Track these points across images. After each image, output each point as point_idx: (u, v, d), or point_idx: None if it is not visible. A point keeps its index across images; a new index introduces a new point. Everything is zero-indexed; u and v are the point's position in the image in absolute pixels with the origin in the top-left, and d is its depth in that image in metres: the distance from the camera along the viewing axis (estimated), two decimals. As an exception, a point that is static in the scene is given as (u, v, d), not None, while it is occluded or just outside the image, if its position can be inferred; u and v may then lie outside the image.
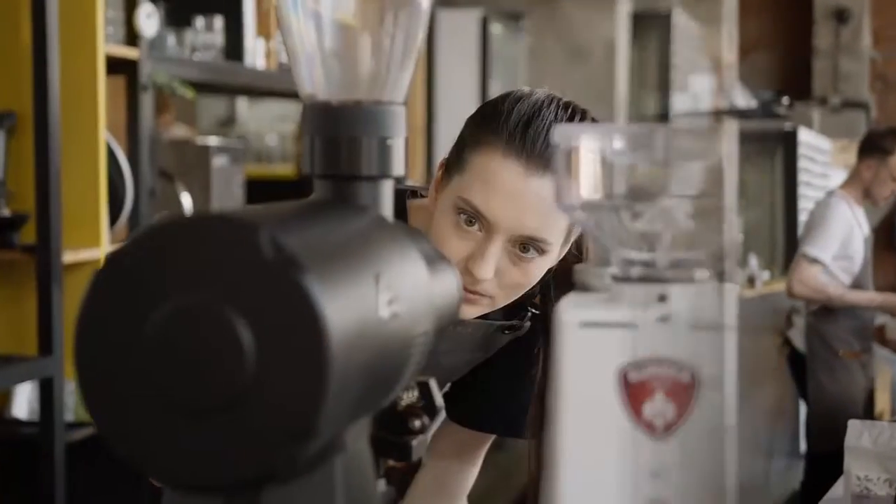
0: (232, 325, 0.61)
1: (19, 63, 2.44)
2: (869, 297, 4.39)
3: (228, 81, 3.14)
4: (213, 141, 3.19)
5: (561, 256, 1.32)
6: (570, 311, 0.71)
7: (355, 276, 0.67)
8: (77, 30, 2.48)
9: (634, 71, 6.76)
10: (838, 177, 8.38)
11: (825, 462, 4.21)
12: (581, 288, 0.79)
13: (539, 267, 1.26)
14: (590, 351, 0.69)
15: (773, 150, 6.72)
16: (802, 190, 6.97)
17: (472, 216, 1.23)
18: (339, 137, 0.82)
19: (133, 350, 0.63)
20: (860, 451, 1.99)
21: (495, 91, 5.99)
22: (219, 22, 3.03)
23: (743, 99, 5.50)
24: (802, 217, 7.08)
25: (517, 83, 5.98)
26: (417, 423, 0.89)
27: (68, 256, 2.43)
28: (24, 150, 2.45)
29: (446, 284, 0.87)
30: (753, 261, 6.37)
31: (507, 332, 1.40)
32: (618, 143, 0.73)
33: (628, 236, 0.73)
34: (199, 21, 3.03)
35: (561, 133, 0.72)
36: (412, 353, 0.75)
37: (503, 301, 1.28)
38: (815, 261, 4.18)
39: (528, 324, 1.39)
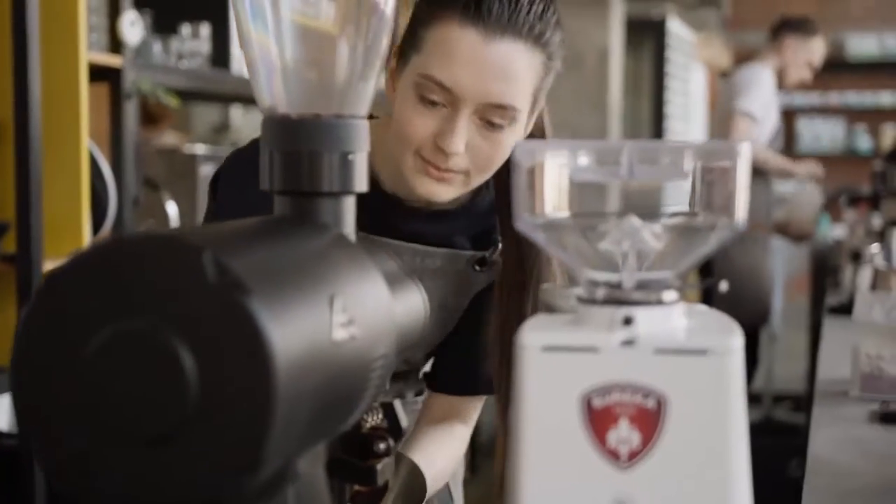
0: (174, 351, 0.58)
1: (1, 70, 2.41)
2: (794, 165, 4.51)
3: (215, 89, 3.12)
4: (200, 149, 3.17)
5: (529, 129, 1.30)
6: (532, 335, 0.68)
7: (307, 297, 0.65)
8: (59, 36, 2.45)
9: (629, 77, 6.76)
10: (699, 71, 8.55)
11: None
12: (546, 309, 0.77)
13: (509, 138, 1.23)
14: (552, 376, 0.67)
15: (641, 37, 6.86)
16: (668, 81, 7.16)
17: (434, 92, 1.21)
18: (299, 152, 0.79)
19: (72, 375, 0.60)
20: (870, 327, 1.88)
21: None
22: (205, 29, 3.01)
23: None
24: (669, 108, 7.26)
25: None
26: (382, 446, 0.86)
27: (49, 266, 2.40)
28: (5, 159, 2.42)
29: (410, 303, 0.84)
30: None
31: (478, 267, 1.38)
32: (581, 160, 0.70)
33: (593, 256, 0.71)
34: (186, 28, 3.01)
35: (522, 150, 0.70)
36: (371, 377, 0.72)
37: (477, 178, 1.26)
38: (747, 114, 4.25)
39: (498, 259, 1.36)
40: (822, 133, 10.22)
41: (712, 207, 0.69)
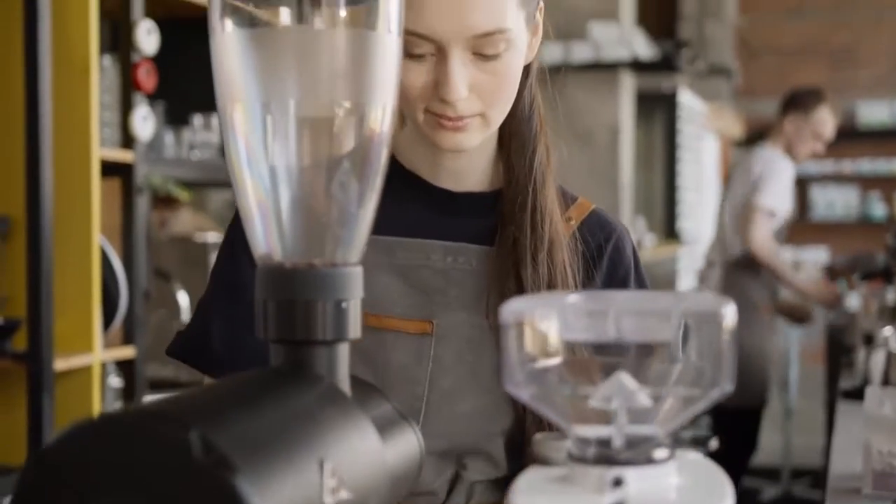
0: (161, 530, 0.59)
1: (13, 167, 2.44)
2: (807, 284, 4.48)
3: (227, 178, 3.15)
4: (212, 237, 3.19)
5: (537, 38, 1.23)
6: (523, 495, 0.68)
7: (296, 466, 0.65)
8: (72, 133, 2.49)
9: (641, 150, 6.79)
10: (711, 140, 8.59)
11: (733, 418, 4.18)
12: (540, 461, 0.77)
13: (512, 62, 1.16)
14: (542, 539, 0.67)
15: (652, 109, 6.89)
16: (680, 153, 7.17)
17: (416, 46, 1.13)
18: (294, 301, 0.80)
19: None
20: (882, 422, 1.82)
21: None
22: (216, 120, 3.05)
23: (644, 48, 5.54)
24: (680, 180, 7.27)
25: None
26: None
27: (60, 363, 2.41)
28: (17, 255, 2.44)
29: (403, 448, 0.84)
30: (641, 223, 6.35)
31: None
32: (568, 317, 0.71)
33: (583, 412, 0.71)
34: (197, 119, 3.04)
35: (509, 309, 0.70)
36: (363, 534, 0.72)
37: (497, 114, 1.18)
38: (771, 213, 4.24)
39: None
40: (835, 200, 10.22)
41: (702, 366, 0.69)
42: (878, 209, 10.12)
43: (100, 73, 2.58)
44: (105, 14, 2.70)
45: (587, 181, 5.42)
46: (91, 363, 2.52)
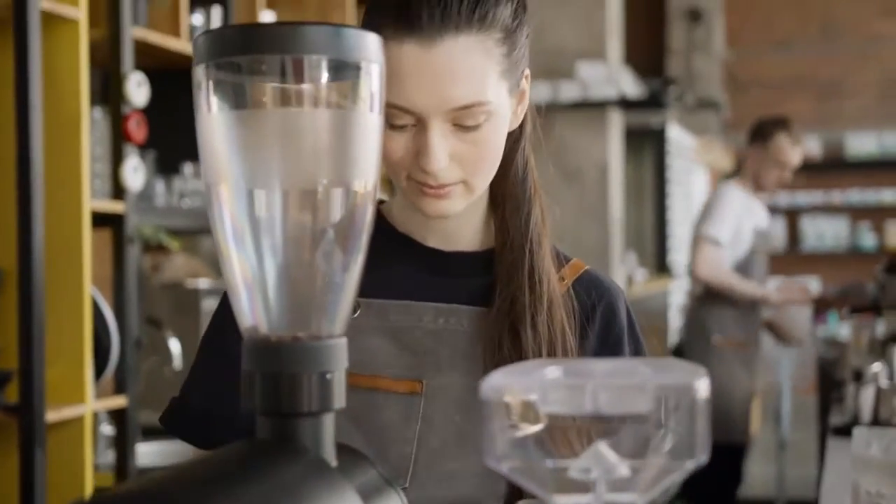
0: None
1: (5, 219, 2.46)
2: (766, 292, 4.46)
3: (217, 226, 3.16)
4: (203, 284, 3.20)
5: (522, 111, 1.23)
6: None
7: (282, 544, 0.66)
8: (63, 185, 2.51)
9: (630, 185, 6.84)
10: (700, 174, 8.64)
11: (715, 453, 4.16)
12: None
13: (493, 132, 1.17)
14: None
15: (641, 145, 6.93)
16: (669, 187, 7.21)
17: (397, 117, 1.14)
18: (280, 374, 0.82)
19: None
20: (870, 463, 1.82)
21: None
22: (207, 168, 3.07)
23: (631, 86, 5.58)
24: (671, 214, 7.30)
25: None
26: None
27: (52, 415, 2.42)
28: (9, 307, 2.45)
29: (390, 516, 0.86)
30: (632, 258, 6.37)
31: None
32: (548, 392, 0.73)
33: (563, 483, 0.73)
34: (188, 168, 3.07)
35: (489, 386, 0.72)
36: None
37: (479, 182, 1.19)
38: (715, 241, 4.26)
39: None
40: (825, 231, 10.28)
41: (677, 438, 0.71)
42: (868, 239, 10.18)
43: (90, 125, 2.60)
44: (95, 63, 2.73)
45: (577, 218, 5.45)
46: (83, 413, 2.52)
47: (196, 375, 1.28)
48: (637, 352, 1.30)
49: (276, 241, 0.83)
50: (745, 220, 4.32)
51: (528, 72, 1.24)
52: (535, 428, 0.74)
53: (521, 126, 1.28)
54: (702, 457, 0.71)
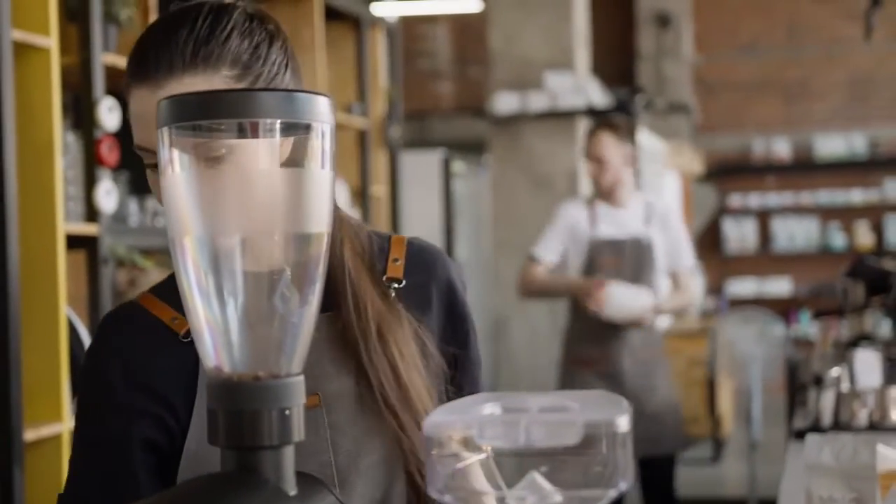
0: None
1: (-19, 243, 2.51)
2: (569, 279, 4.15)
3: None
4: (177, 299, 3.25)
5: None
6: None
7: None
8: (37, 209, 2.56)
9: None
10: (672, 178, 8.75)
11: (642, 467, 4.17)
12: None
13: (244, 167, 1.16)
14: None
15: None
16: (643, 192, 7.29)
17: (149, 157, 1.20)
18: (241, 411, 0.88)
19: None
20: (821, 469, 1.87)
21: (460, 226, 6.16)
22: (179, 187, 3.13)
23: (599, 95, 5.57)
24: None
25: (481, 214, 6.12)
26: None
27: (30, 434, 2.47)
28: (-14, 329, 2.50)
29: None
30: None
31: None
32: (485, 428, 0.80)
33: (501, 510, 0.80)
34: (160, 187, 3.12)
35: (431, 423, 0.79)
36: None
37: None
38: (533, 259, 4.13)
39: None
40: (796, 232, 10.40)
41: (603, 468, 0.78)
42: (838, 239, 10.31)
43: (63, 149, 2.66)
44: (67, 88, 2.78)
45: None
46: (61, 432, 2.58)
47: (87, 472, 1.26)
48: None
49: (237, 286, 0.90)
50: (578, 233, 4.13)
51: None
52: (474, 460, 0.81)
53: None
54: (625, 483, 0.79)
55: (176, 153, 0.89)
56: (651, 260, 4.12)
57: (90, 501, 1.25)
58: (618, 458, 0.78)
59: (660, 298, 4.13)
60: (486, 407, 0.82)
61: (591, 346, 4.13)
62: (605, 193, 4.15)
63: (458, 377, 1.34)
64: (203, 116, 0.88)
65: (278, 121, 0.88)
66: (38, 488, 2.52)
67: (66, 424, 2.59)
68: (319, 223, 0.91)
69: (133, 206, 3.04)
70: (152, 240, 3.07)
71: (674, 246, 4.15)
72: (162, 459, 1.25)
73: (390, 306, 1.28)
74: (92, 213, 2.75)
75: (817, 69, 10.16)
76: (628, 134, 4.17)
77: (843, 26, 9.75)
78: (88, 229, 2.73)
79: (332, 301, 1.27)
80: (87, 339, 2.67)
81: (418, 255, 1.34)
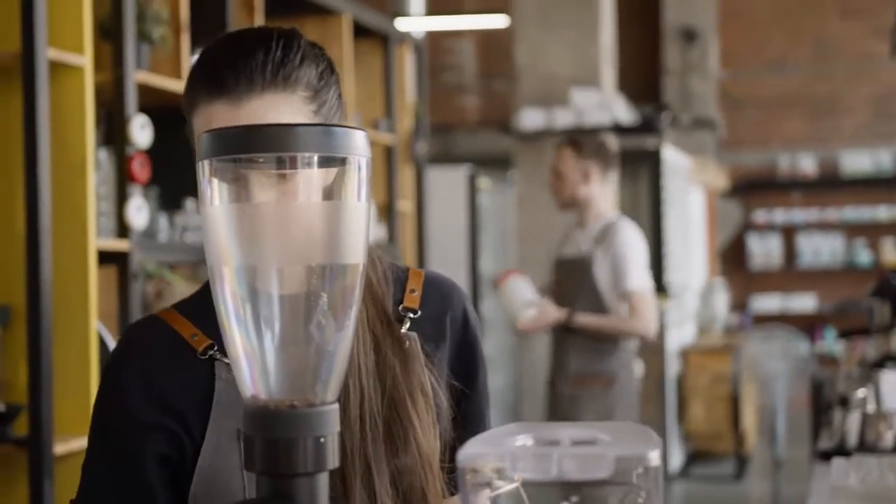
0: None
1: (13, 257, 2.55)
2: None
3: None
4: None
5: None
6: None
7: None
8: (70, 225, 2.59)
9: (627, 207, 6.92)
10: (697, 194, 8.73)
11: None
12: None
13: (306, 183, 1.23)
14: None
15: (637, 167, 7.00)
16: (665, 208, 7.29)
17: None
18: (277, 439, 0.90)
19: None
20: (848, 492, 1.90)
21: (485, 241, 6.17)
22: (208, 203, 3.15)
23: (624, 112, 5.57)
24: (668, 235, 7.37)
25: (506, 230, 6.13)
26: None
27: (60, 447, 2.50)
28: (18, 343, 2.54)
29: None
30: None
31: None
32: (517, 460, 0.81)
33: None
34: (190, 203, 3.15)
35: (464, 454, 0.81)
36: None
37: None
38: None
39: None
40: (821, 248, 10.36)
41: (635, 500, 0.79)
42: (864, 256, 10.26)
43: (96, 166, 2.69)
44: (100, 105, 2.82)
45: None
46: (90, 445, 2.61)
47: (101, 482, 1.28)
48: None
49: (274, 315, 0.92)
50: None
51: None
52: (506, 489, 0.82)
53: None
54: (655, 516, 0.80)
55: (216, 185, 0.91)
56: (589, 280, 4.02)
57: None
58: (651, 490, 0.79)
59: (582, 317, 3.97)
60: (518, 438, 0.84)
61: (550, 363, 4.14)
62: (563, 208, 4.21)
63: (465, 409, 1.35)
64: (243, 150, 0.90)
65: (315, 154, 0.89)
66: (68, 502, 2.55)
67: (95, 438, 2.62)
68: (355, 254, 0.93)
69: (163, 221, 3.07)
70: (181, 255, 3.10)
71: (616, 267, 4.01)
72: (174, 473, 1.27)
73: (396, 339, 1.29)
74: (123, 229, 2.78)
75: (844, 85, 10.13)
76: (594, 154, 4.12)
77: (871, 43, 9.72)
78: (119, 245, 2.76)
79: None
80: (116, 354, 2.70)
81: (434, 288, 1.36)
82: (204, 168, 0.90)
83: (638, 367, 4.23)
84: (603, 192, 4.16)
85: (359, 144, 0.91)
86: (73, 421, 2.58)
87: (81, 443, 2.59)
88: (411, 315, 1.32)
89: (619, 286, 4.00)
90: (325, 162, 0.90)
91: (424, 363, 1.30)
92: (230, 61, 1.21)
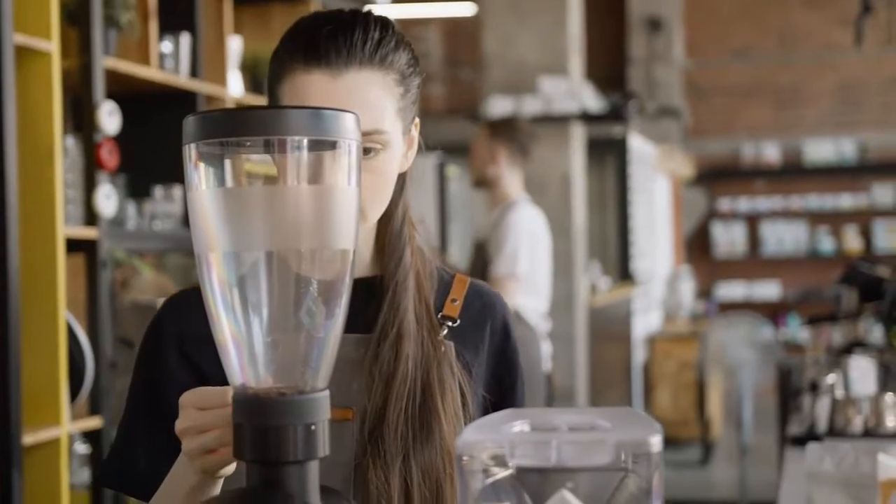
0: None
1: (-20, 246, 2.50)
2: None
3: (187, 248, 3.22)
4: (173, 303, 3.24)
5: (412, 149, 1.30)
6: None
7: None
8: (38, 213, 2.55)
9: (593, 195, 6.94)
10: (662, 181, 8.79)
11: None
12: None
13: (388, 163, 1.24)
14: None
15: (603, 155, 7.05)
16: (631, 196, 7.35)
17: None
18: (267, 427, 0.88)
19: None
20: (823, 477, 1.89)
21: (454, 230, 6.16)
22: (178, 191, 3.12)
23: (592, 100, 5.60)
24: (633, 222, 7.44)
25: (475, 219, 6.13)
26: None
27: (28, 438, 2.46)
28: (-15, 333, 2.50)
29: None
30: (596, 267, 6.48)
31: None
32: (516, 446, 0.80)
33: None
34: (159, 191, 3.12)
35: (463, 441, 0.79)
36: None
37: (373, 211, 1.25)
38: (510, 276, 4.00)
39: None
40: (785, 236, 10.43)
41: (634, 487, 0.78)
42: (827, 244, 10.34)
43: (63, 153, 2.65)
44: (67, 91, 2.77)
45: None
46: (59, 435, 2.57)
47: (135, 432, 1.29)
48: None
49: (262, 301, 0.90)
50: (535, 241, 4.14)
51: (418, 121, 1.32)
52: (502, 475, 0.81)
53: (404, 174, 1.33)
54: (658, 502, 0.79)
55: (202, 169, 0.89)
56: (482, 263, 4.05)
57: (137, 465, 1.27)
58: (651, 476, 0.78)
59: None
60: (515, 424, 0.83)
61: None
62: (475, 186, 4.27)
63: None
64: (230, 133, 0.88)
65: (305, 138, 0.88)
66: (37, 492, 2.52)
67: (64, 428, 2.59)
68: (346, 240, 0.91)
69: (131, 209, 3.03)
70: (150, 243, 3.06)
71: (495, 250, 4.01)
72: None
73: (435, 344, 1.29)
74: (91, 217, 2.74)
75: (808, 75, 10.19)
76: (504, 136, 4.14)
77: (834, 33, 9.79)
78: (88, 233, 2.72)
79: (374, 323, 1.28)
80: (85, 343, 2.66)
81: (476, 297, 1.36)
82: (190, 152, 0.88)
83: (545, 349, 4.14)
84: (511, 174, 4.18)
85: (349, 127, 0.90)
86: (43, 411, 2.55)
87: (51, 433, 2.56)
88: (449, 324, 1.32)
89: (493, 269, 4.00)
90: (315, 146, 0.89)
91: (457, 369, 1.30)
92: (331, 34, 1.22)
